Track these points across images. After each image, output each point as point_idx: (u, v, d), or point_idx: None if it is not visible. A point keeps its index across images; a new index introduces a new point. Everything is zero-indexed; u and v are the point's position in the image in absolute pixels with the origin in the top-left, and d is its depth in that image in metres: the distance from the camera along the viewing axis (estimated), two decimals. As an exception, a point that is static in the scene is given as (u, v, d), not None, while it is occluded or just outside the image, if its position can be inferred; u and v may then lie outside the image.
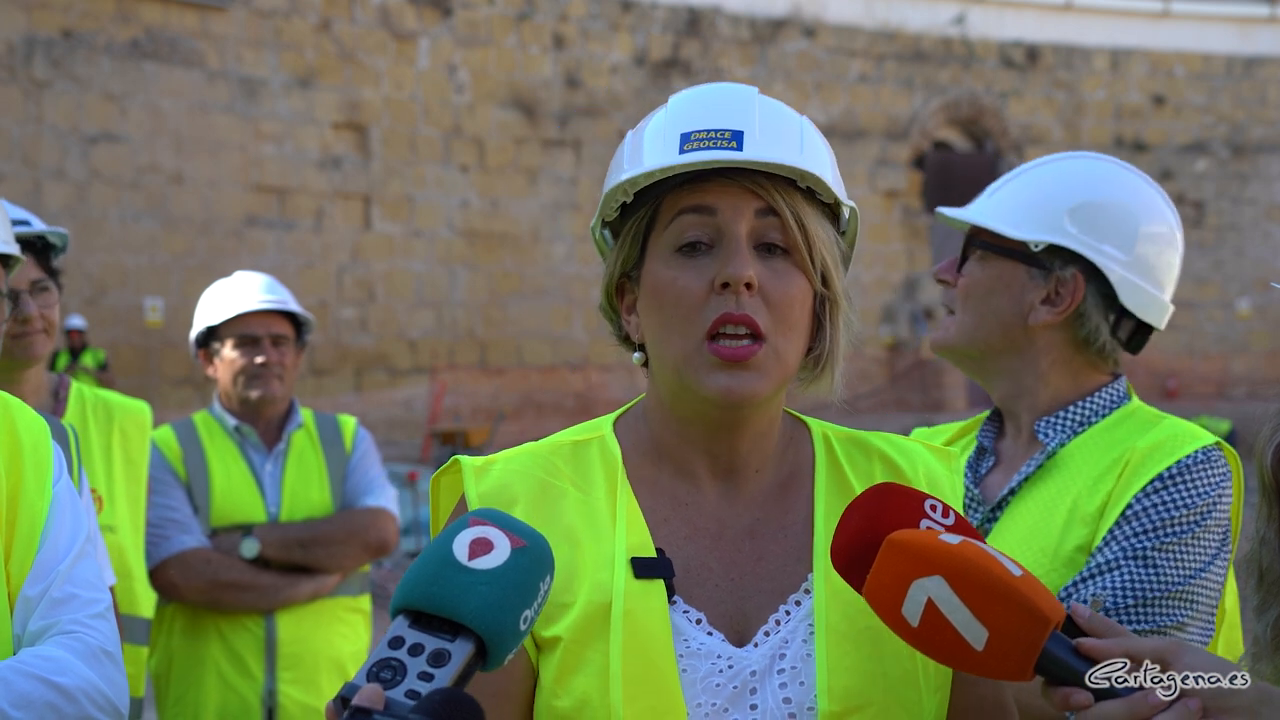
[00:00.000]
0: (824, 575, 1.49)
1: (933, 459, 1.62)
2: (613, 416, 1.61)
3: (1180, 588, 2.12)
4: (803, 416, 1.63)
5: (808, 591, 1.50)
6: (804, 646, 1.47)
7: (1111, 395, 2.34)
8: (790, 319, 1.48)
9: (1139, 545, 2.12)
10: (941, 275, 2.33)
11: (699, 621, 1.46)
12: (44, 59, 17.52)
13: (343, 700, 1.12)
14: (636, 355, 1.55)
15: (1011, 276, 2.30)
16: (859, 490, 1.55)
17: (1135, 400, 2.35)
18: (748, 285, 1.45)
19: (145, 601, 3.47)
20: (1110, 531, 2.15)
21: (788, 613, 1.49)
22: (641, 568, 1.46)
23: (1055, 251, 2.29)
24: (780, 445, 1.57)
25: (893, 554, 1.35)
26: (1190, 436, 2.21)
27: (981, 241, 2.31)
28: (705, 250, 1.47)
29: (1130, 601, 2.09)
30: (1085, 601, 2.08)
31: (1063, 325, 2.31)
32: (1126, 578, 2.10)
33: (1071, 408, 2.31)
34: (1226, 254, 25.91)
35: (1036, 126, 25.27)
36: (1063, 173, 2.38)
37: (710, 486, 1.54)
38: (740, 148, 1.47)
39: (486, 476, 1.51)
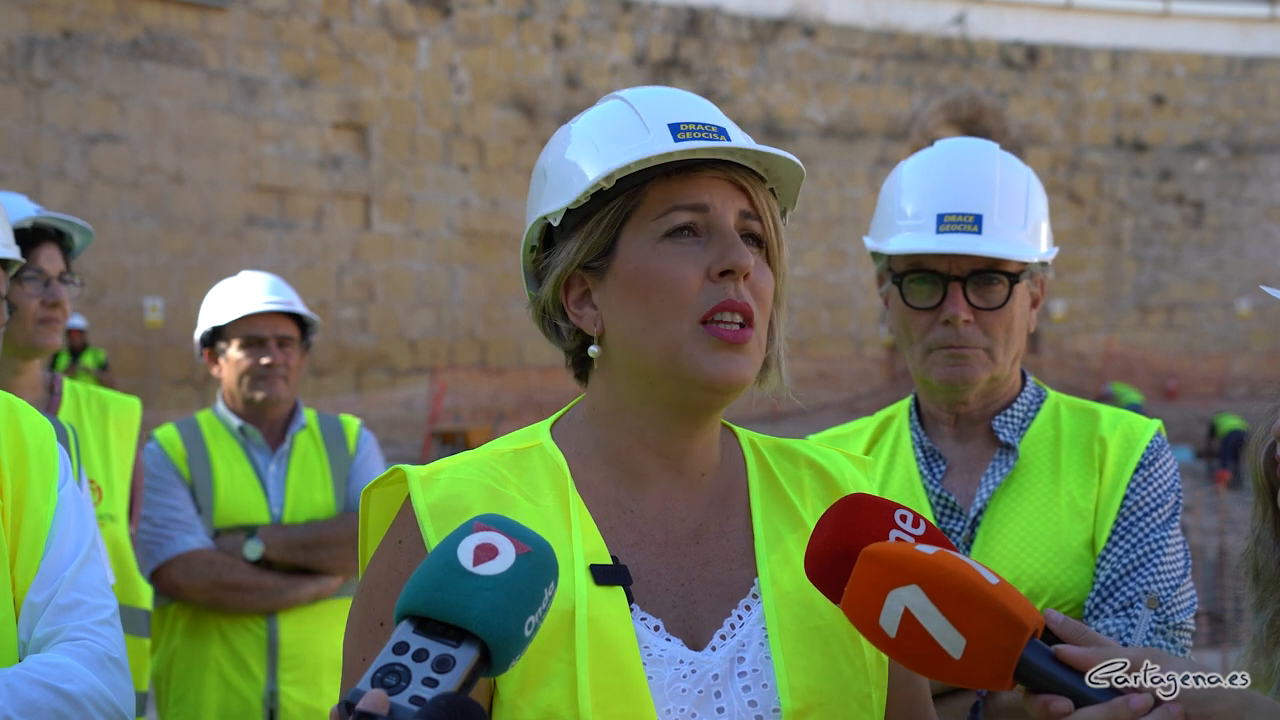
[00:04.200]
0: (770, 579, 1.52)
1: (855, 469, 1.65)
2: (548, 422, 1.60)
3: (1187, 573, 2.24)
4: (730, 424, 1.65)
5: (756, 595, 1.52)
6: (761, 649, 1.48)
7: (1033, 388, 2.41)
8: (767, 311, 1.52)
9: (1156, 536, 2.20)
10: (966, 315, 2.29)
11: (657, 628, 1.47)
12: (44, 59, 17.50)
13: (347, 705, 1.12)
14: (594, 348, 1.54)
15: (1026, 293, 2.33)
16: (791, 495, 1.59)
17: (1047, 389, 2.43)
18: (744, 275, 1.48)
19: (145, 593, 3.48)
20: (1119, 526, 2.21)
21: (740, 617, 1.51)
22: (601, 574, 1.45)
23: None
24: (718, 451, 1.59)
25: (868, 565, 1.36)
26: (1140, 421, 2.32)
27: (1012, 273, 2.30)
28: (692, 238, 1.49)
29: (1172, 590, 2.17)
30: (1140, 600, 2.14)
31: None
32: (1158, 569, 2.19)
33: (1016, 404, 2.37)
34: (1226, 254, 25.88)
35: (1036, 126, 25.25)
36: (1020, 175, 2.40)
37: (656, 491, 1.54)
38: (729, 141, 1.51)
39: (434, 486, 1.47)
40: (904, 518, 1.45)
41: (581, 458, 1.55)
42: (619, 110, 1.56)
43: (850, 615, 1.38)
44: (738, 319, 1.47)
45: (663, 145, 1.48)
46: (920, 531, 1.44)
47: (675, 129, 1.50)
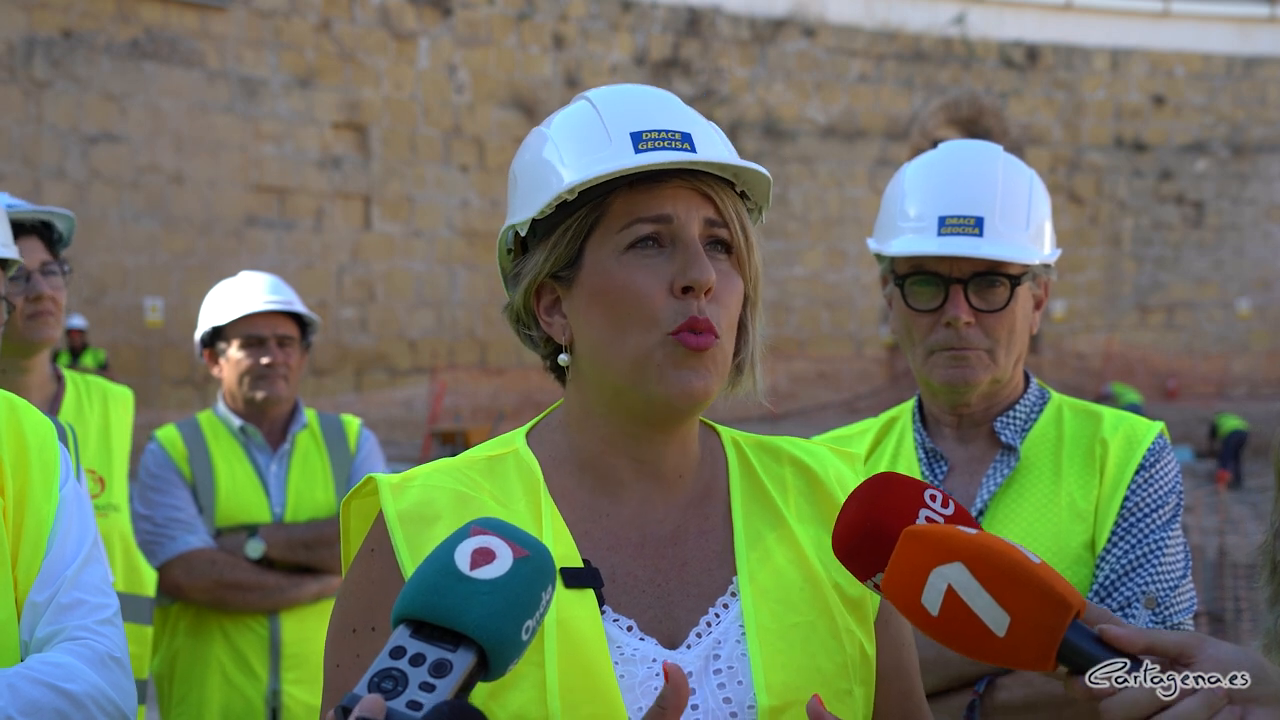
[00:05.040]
0: (749, 577, 1.52)
1: (839, 461, 1.64)
2: (524, 429, 1.60)
3: (1187, 574, 2.25)
4: (712, 423, 1.64)
5: (734, 594, 1.52)
6: (737, 647, 1.49)
7: (1036, 389, 2.42)
8: (734, 320, 1.51)
9: (1156, 537, 2.20)
10: (967, 317, 2.29)
11: (630, 629, 1.47)
12: (44, 59, 17.51)
13: (343, 710, 1.11)
14: (564, 356, 1.54)
15: (1028, 295, 2.34)
16: (773, 493, 1.59)
17: (1050, 390, 2.43)
18: (706, 290, 1.46)
19: (149, 580, 3.48)
20: (1119, 527, 2.22)
21: (717, 615, 1.50)
22: (570, 578, 1.45)
23: None
24: (698, 451, 1.59)
25: (911, 544, 1.35)
26: (1142, 423, 2.32)
27: (1014, 275, 2.30)
28: (656, 249, 1.48)
29: (1170, 592, 2.17)
30: (1138, 600, 2.15)
31: None
32: (1157, 570, 2.20)
33: (1018, 405, 2.37)
34: (1226, 254, 25.90)
35: (1036, 126, 25.26)
36: (1023, 177, 2.40)
37: (632, 495, 1.54)
38: (693, 149, 1.49)
39: (405, 494, 1.48)
40: (934, 497, 1.44)
41: (556, 463, 1.55)
42: (585, 114, 1.54)
43: (891, 596, 1.37)
44: (703, 335, 1.46)
45: (622, 158, 1.46)
46: (949, 511, 1.43)
47: (637, 138, 1.48)
